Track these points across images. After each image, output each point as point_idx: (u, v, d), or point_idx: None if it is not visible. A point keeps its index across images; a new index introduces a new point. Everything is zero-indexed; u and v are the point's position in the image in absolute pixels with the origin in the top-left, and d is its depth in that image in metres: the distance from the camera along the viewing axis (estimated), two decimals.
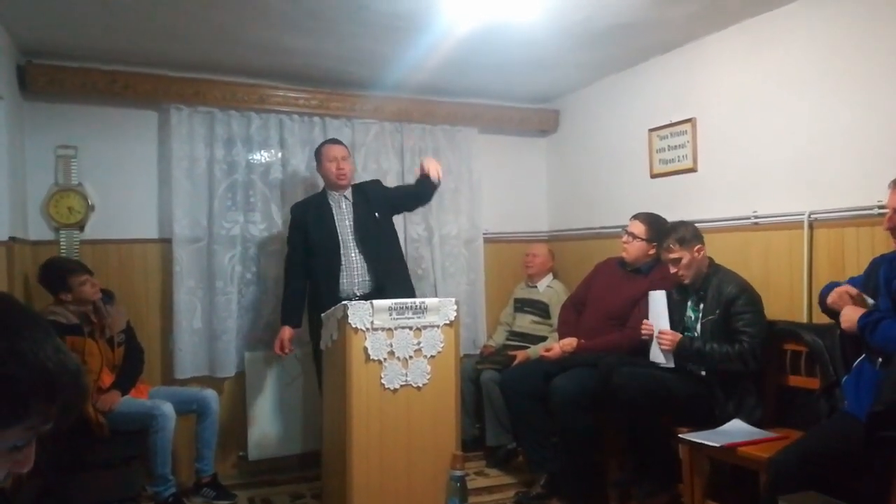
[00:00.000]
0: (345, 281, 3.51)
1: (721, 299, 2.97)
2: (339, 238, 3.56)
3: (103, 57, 3.62)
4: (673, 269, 3.08)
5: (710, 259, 3.12)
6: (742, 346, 2.87)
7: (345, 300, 3.10)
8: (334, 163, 3.58)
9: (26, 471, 0.85)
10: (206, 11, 3.04)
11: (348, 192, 3.68)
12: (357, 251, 3.56)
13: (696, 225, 3.18)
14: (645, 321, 3.17)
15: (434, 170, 3.55)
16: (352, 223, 3.60)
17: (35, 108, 3.63)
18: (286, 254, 3.74)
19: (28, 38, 3.35)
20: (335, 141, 3.74)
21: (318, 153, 3.69)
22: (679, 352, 2.99)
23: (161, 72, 3.77)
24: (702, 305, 3.07)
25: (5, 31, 3.22)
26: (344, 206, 3.64)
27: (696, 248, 3.05)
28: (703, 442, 2.73)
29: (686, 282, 3.08)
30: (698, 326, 3.08)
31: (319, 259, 3.56)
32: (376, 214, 3.64)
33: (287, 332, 3.60)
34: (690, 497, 2.88)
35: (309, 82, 4.10)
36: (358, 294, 3.46)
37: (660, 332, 3.05)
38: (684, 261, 3.03)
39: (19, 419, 0.81)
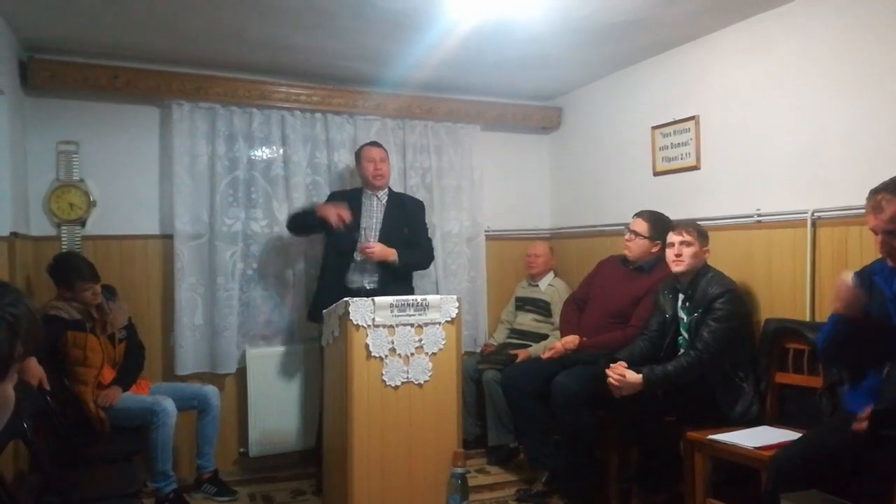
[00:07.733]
0: (355, 275, 3.66)
1: (705, 299, 2.98)
2: (362, 232, 3.70)
3: (105, 52, 3.62)
4: (675, 252, 3.04)
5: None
6: (699, 353, 2.90)
7: (353, 293, 3.15)
8: (372, 164, 3.75)
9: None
10: (209, 7, 3.03)
11: (382, 194, 3.81)
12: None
13: (699, 223, 3.17)
14: (613, 366, 3.01)
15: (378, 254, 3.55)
16: (380, 222, 3.73)
17: (37, 103, 3.63)
18: None
19: (30, 32, 3.35)
20: (375, 144, 3.88)
21: (358, 154, 3.85)
22: (648, 388, 2.91)
23: (163, 68, 3.76)
24: (688, 304, 3.08)
25: (7, 26, 3.21)
26: (375, 205, 3.78)
27: (706, 248, 3.09)
28: (737, 443, 2.66)
29: (678, 269, 3.05)
30: (689, 325, 3.08)
31: (333, 249, 3.72)
32: (406, 230, 3.75)
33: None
34: (692, 495, 2.88)
35: (311, 78, 4.09)
36: (367, 288, 3.59)
37: (619, 377, 2.93)
38: (693, 250, 3.02)
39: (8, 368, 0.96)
